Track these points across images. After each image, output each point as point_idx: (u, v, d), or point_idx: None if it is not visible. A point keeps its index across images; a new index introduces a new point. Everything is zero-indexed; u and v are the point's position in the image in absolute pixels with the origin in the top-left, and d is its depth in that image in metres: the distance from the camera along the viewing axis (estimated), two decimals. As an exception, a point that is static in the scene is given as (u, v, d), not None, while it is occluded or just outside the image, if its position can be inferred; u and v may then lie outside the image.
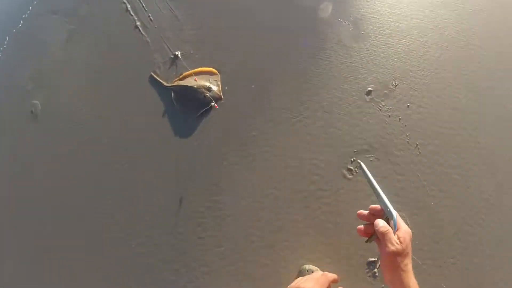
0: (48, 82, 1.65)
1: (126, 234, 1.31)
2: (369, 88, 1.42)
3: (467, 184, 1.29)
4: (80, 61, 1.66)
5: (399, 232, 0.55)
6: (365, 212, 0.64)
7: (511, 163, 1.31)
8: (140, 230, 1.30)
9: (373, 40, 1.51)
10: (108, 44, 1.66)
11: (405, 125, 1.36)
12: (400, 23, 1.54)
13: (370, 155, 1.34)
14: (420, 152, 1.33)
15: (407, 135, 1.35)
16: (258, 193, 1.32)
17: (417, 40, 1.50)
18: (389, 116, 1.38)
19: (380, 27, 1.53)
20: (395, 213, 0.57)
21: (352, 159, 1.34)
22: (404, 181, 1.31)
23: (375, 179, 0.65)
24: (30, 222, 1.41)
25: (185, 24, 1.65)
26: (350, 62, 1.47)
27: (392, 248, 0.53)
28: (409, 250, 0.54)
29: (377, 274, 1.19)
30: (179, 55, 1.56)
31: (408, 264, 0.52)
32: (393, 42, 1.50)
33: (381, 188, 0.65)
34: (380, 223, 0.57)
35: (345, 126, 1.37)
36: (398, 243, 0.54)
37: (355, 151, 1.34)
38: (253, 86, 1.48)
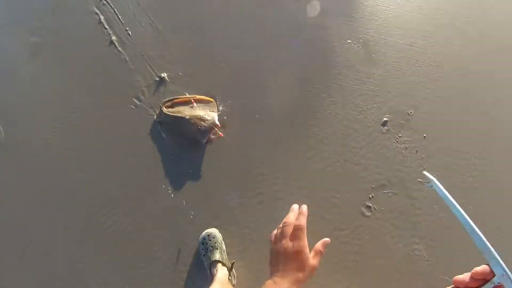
0: (9, 106, 1.41)
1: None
2: (385, 119, 1.36)
3: (477, 215, 1.30)
4: (45, 80, 1.43)
5: None
6: (463, 277, 0.40)
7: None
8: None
9: (385, 64, 1.43)
10: (79, 62, 1.45)
11: (422, 157, 1.32)
12: (412, 46, 1.47)
13: (388, 191, 1.30)
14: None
15: (424, 167, 1.31)
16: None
17: (431, 65, 1.45)
18: (406, 148, 1.33)
19: (391, 49, 1.46)
20: (502, 264, 0.36)
21: (370, 196, 1.29)
22: (422, 215, 1.29)
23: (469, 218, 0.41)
24: None
25: (170, 40, 1.47)
26: (364, 90, 1.39)
27: None
28: None
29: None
30: (166, 77, 1.39)
31: None
32: (405, 67, 1.44)
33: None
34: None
35: (362, 160, 1.31)
36: None
37: (373, 187, 1.29)
38: (257, 116, 1.36)
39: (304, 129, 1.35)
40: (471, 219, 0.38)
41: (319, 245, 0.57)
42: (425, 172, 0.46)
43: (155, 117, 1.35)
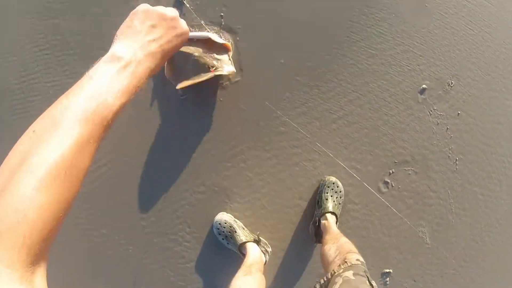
0: None
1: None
2: (424, 86, 1.15)
3: (486, 204, 1.26)
4: None
5: None
6: None
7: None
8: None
9: (437, 19, 1.17)
10: None
11: (451, 137, 1.18)
12: (468, 1, 1.21)
13: (409, 168, 1.16)
14: (457, 169, 1.20)
15: (450, 148, 1.18)
16: (283, 203, 1.06)
17: (482, 30, 1.22)
18: (438, 124, 1.17)
19: (446, 1, 1.19)
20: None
21: (391, 171, 1.14)
22: (435, 198, 1.20)
23: None
24: None
25: None
26: (408, 45, 1.14)
27: None
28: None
29: (388, 282, 1.18)
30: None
31: None
32: (457, 26, 1.20)
33: None
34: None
35: (391, 131, 1.12)
36: None
37: (395, 162, 1.14)
38: (282, 61, 1.06)
39: (334, 84, 1.08)
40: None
41: None
42: None
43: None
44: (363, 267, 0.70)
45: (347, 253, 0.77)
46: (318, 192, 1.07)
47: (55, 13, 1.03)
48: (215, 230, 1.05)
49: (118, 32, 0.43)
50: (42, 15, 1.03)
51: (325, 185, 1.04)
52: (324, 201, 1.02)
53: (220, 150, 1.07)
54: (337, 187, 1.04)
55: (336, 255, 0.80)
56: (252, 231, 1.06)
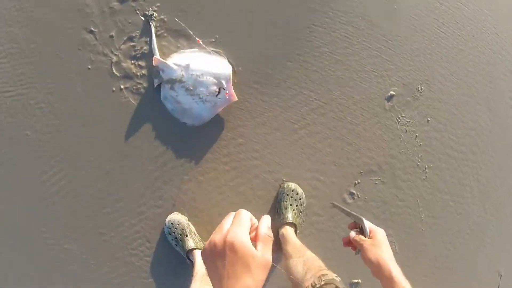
0: None
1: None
2: (392, 92, 1.10)
3: (457, 210, 1.23)
4: None
5: (371, 233, 0.64)
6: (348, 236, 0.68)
7: (502, 193, 1.26)
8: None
9: (407, 22, 1.12)
10: None
11: (420, 144, 1.14)
12: (440, 3, 1.16)
13: (376, 178, 1.12)
14: (426, 177, 1.17)
15: (419, 157, 1.15)
16: None
17: (455, 32, 1.17)
18: (406, 131, 1.13)
19: (417, 4, 1.13)
20: (364, 219, 0.66)
21: (356, 181, 1.11)
22: (403, 207, 1.17)
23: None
24: None
25: None
26: (375, 50, 1.08)
27: (365, 243, 0.62)
28: (383, 243, 0.62)
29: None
30: (153, 17, 0.94)
31: (384, 253, 0.60)
32: (428, 29, 1.14)
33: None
34: (352, 234, 0.66)
35: (356, 140, 1.09)
36: (370, 239, 0.63)
37: (361, 172, 1.10)
38: (240, 68, 1.00)
39: (295, 92, 1.04)
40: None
41: (262, 227, 0.40)
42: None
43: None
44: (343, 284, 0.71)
45: (318, 270, 0.75)
46: (277, 199, 1.03)
47: (11, 21, 0.97)
48: (166, 229, 1.02)
49: None
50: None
51: (284, 192, 1.01)
52: (283, 210, 0.99)
53: (177, 163, 1.03)
54: (297, 194, 1.01)
55: (306, 272, 0.78)
56: (202, 240, 1.02)
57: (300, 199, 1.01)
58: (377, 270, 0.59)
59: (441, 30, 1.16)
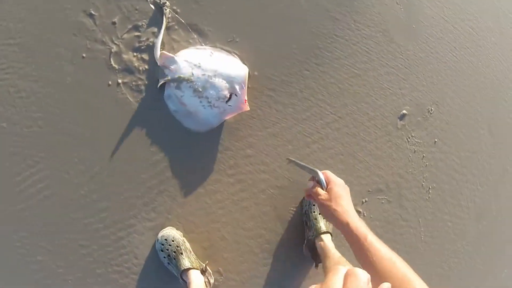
0: None
1: None
2: (404, 111, 1.09)
3: (454, 231, 1.25)
4: None
5: (329, 185, 0.64)
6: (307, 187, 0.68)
7: (496, 213, 1.30)
8: None
9: (423, 42, 1.11)
10: None
11: (426, 165, 1.14)
12: (454, 27, 1.17)
13: (382, 197, 1.10)
14: (429, 197, 1.17)
15: (424, 177, 1.15)
16: (246, 234, 0.96)
17: (465, 58, 1.19)
18: (414, 151, 1.12)
19: (433, 25, 1.13)
20: (318, 171, 0.65)
21: (364, 200, 1.08)
22: (406, 227, 1.16)
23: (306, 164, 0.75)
24: None
25: None
26: (393, 67, 1.06)
27: (320, 198, 0.62)
28: (338, 195, 0.61)
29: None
30: (165, 5, 0.84)
31: (339, 206, 0.60)
32: (442, 51, 1.15)
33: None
34: (310, 184, 0.66)
35: (367, 158, 1.06)
36: (325, 193, 0.63)
37: (369, 191, 1.07)
38: (256, 73, 0.93)
39: (311, 104, 0.99)
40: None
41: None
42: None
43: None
44: None
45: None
46: (303, 212, 0.98)
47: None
48: (158, 245, 0.92)
49: None
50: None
51: (310, 203, 0.96)
52: (313, 221, 0.94)
53: (175, 172, 0.94)
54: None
55: None
56: (198, 258, 0.94)
57: None
58: (335, 224, 0.59)
59: (453, 54, 1.17)
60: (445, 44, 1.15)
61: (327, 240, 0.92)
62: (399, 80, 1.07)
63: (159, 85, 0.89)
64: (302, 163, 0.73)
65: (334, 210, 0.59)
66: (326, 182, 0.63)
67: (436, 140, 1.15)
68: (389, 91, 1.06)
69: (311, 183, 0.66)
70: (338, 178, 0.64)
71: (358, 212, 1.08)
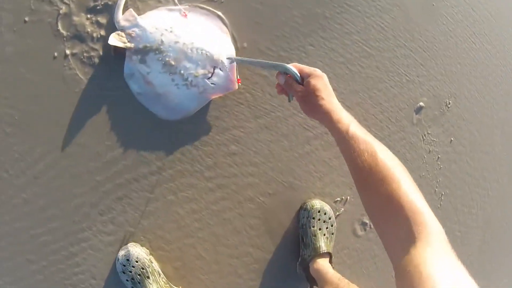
0: None
1: None
2: (421, 103, 0.92)
3: (462, 241, 1.14)
4: None
5: (306, 78, 0.56)
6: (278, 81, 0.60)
7: (501, 224, 1.20)
8: None
9: (443, 24, 0.95)
10: None
11: (440, 167, 0.99)
12: (474, 10, 1.02)
13: (393, 205, 0.92)
14: (441, 205, 1.03)
15: (437, 181, 1.00)
16: (228, 252, 0.75)
17: (483, 46, 1.05)
18: (429, 151, 0.96)
19: (453, 5, 0.97)
20: (286, 65, 0.57)
21: (372, 209, 0.90)
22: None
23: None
24: None
25: None
26: (410, 49, 0.89)
27: (298, 93, 0.56)
28: (317, 88, 0.54)
29: None
30: None
31: (322, 100, 0.53)
32: (461, 36, 0.99)
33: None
34: (281, 79, 0.58)
35: (378, 158, 0.87)
36: (302, 87, 0.56)
37: (378, 198, 0.89)
38: (244, 45, 0.71)
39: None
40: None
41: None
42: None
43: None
44: None
45: None
46: (300, 225, 0.81)
47: None
48: (119, 266, 0.72)
49: None
50: None
51: (309, 216, 0.78)
52: (311, 238, 0.77)
53: (138, 173, 0.70)
54: (325, 213, 0.79)
55: None
56: (169, 281, 0.73)
57: (329, 218, 0.80)
58: (320, 120, 0.55)
59: (472, 39, 1.02)
60: (464, 28, 1.00)
61: (325, 263, 0.76)
62: (417, 66, 0.90)
63: (114, 51, 0.64)
64: (258, 60, 0.62)
65: (319, 106, 0.52)
66: (300, 75, 0.56)
67: (452, 139, 1.01)
68: (406, 78, 0.88)
69: (282, 77, 0.58)
70: (312, 68, 0.56)
71: (364, 223, 0.91)
